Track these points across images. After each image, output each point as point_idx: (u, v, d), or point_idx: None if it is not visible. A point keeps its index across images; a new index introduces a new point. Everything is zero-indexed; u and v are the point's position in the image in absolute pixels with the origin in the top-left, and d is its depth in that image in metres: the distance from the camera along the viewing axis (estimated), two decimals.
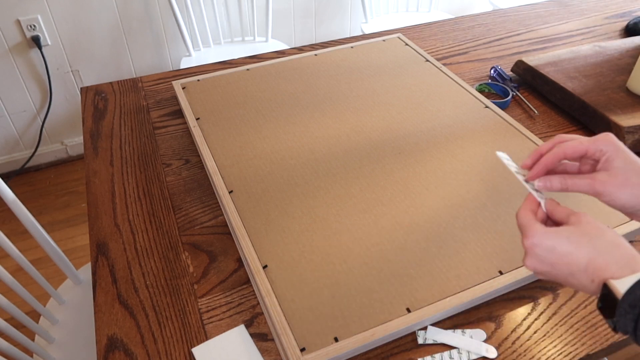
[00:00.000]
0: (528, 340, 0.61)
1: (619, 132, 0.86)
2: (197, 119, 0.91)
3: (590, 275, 0.42)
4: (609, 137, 0.48)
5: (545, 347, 0.60)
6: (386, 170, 0.80)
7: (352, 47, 1.13)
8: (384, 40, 1.15)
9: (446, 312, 0.61)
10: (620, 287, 0.39)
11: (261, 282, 0.63)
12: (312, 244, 0.68)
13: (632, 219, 0.54)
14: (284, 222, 0.72)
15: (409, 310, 0.61)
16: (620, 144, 0.48)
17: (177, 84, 1.00)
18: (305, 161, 0.82)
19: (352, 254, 0.67)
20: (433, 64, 1.06)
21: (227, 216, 0.73)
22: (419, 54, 1.10)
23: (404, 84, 1.00)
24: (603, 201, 0.48)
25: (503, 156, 0.54)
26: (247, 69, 1.05)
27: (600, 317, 0.63)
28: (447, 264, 0.66)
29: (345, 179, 0.78)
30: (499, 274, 0.65)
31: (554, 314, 0.64)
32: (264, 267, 0.65)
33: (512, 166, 0.53)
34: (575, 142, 0.49)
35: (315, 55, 1.10)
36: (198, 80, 1.02)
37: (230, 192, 0.76)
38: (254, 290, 0.66)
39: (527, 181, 0.51)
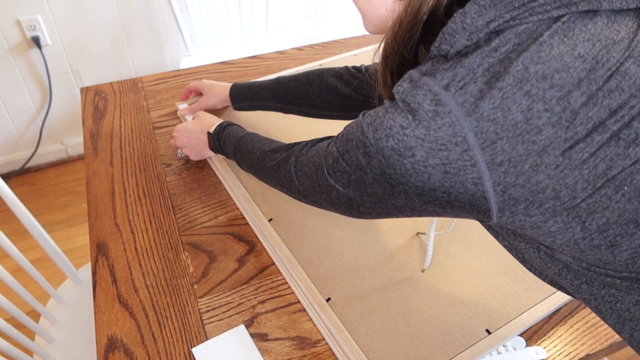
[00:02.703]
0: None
1: None
2: None
3: (203, 132, 0.81)
4: (199, 82, 0.96)
5: (545, 347, 0.60)
6: None
7: (355, 55, 1.11)
8: None
9: (525, 328, 0.59)
10: (212, 129, 0.78)
11: (328, 316, 0.59)
12: (371, 269, 0.65)
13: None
14: (336, 248, 0.68)
15: (488, 332, 0.58)
16: (207, 81, 0.94)
17: (185, 107, 0.95)
18: None
19: (414, 276, 0.64)
20: None
21: (272, 247, 0.69)
22: None
23: None
24: (210, 108, 0.94)
25: None
26: None
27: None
28: (513, 278, 0.64)
29: None
30: None
31: (554, 313, 0.64)
32: (327, 300, 0.62)
33: None
34: (188, 88, 0.98)
35: (320, 65, 1.08)
36: None
37: (269, 220, 0.72)
38: (254, 291, 0.66)
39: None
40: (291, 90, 0.83)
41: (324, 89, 0.80)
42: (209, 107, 0.93)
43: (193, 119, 0.87)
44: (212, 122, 0.80)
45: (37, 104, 1.87)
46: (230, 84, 0.91)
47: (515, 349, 0.59)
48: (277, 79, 0.85)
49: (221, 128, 0.77)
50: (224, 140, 0.75)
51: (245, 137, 0.71)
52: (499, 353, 0.58)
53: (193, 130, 0.82)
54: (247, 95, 0.88)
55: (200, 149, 0.82)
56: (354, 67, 0.80)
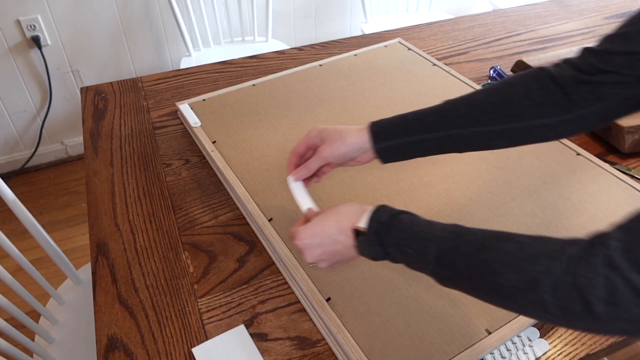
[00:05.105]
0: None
1: (619, 132, 0.86)
2: (214, 142, 0.86)
3: (344, 233, 0.53)
4: (313, 129, 0.64)
5: None
6: (424, 182, 0.78)
7: (355, 55, 1.11)
8: (385, 46, 1.14)
9: (524, 328, 0.59)
10: (362, 225, 0.51)
11: (328, 316, 0.59)
12: (371, 269, 0.65)
13: (356, 164, 0.65)
14: None
15: (488, 332, 0.58)
16: (321, 126, 0.64)
17: (185, 107, 0.93)
18: (339, 180, 0.79)
19: (414, 275, 0.64)
20: (442, 68, 1.05)
21: (272, 246, 0.69)
22: (425, 58, 1.09)
23: (419, 91, 0.98)
24: (334, 163, 0.63)
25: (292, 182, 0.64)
26: (253, 85, 1.01)
27: None
28: None
29: (385, 195, 0.76)
30: None
31: None
32: (327, 300, 0.62)
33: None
34: (298, 145, 0.65)
35: (320, 65, 1.07)
36: (204, 100, 0.97)
37: (269, 220, 0.72)
38: (254, 291, 0.66)
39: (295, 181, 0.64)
40: (476, 102, 0.58)
41: (538, 85, 0.55)
42: (335, 161, 0.63)
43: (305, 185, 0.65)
44: (354, 215, 0.53)
45: (37, 104, 1.87)
46: (361, 126, 0.62)
47: (530, 340, 0.60)
48: (446, 100, 0.60)
49: (389, 218, 0.50)
50: (403, 239, 0.48)
51: (466, 233, 0.46)
52: (513, 343, 0.59)
53: (326, 234, 0.54)
54: (400, 128, 0.60)
55: (341, 258, 0.55)
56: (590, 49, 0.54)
